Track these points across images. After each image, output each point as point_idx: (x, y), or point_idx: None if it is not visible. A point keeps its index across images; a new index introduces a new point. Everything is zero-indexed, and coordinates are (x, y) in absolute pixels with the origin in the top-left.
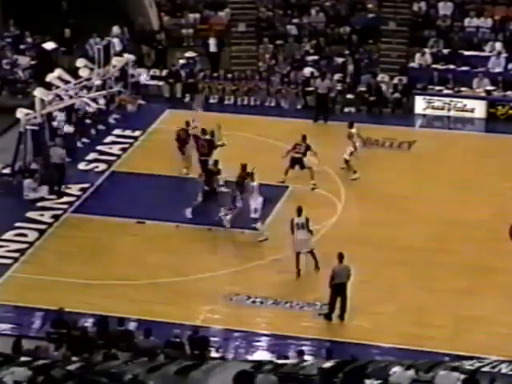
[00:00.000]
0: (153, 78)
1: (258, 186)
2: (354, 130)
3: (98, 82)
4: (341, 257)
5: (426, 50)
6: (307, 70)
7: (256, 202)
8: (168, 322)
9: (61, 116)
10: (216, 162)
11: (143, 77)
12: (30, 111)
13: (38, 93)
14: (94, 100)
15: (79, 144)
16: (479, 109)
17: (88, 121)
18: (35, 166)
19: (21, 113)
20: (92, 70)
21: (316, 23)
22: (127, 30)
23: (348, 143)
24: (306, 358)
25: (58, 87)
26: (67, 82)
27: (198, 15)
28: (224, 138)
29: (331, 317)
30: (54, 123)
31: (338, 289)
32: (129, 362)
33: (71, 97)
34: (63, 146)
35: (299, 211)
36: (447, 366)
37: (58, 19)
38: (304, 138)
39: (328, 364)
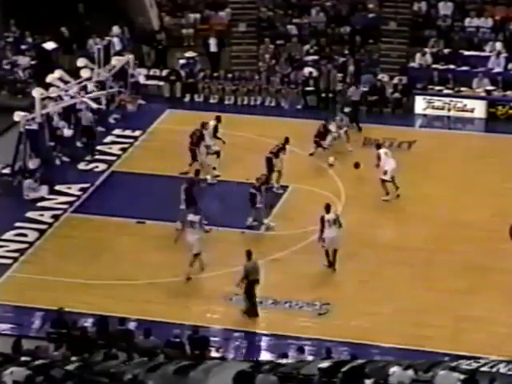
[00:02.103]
0: (153, 77)
1: None
2: (381, 151)
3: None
4: (249, 254)
5: (427, 49)
6: (307, 70)
7: None
8: (168, 322)
9: (62, 122)
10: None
11: (142, 76)
12: (27, 114)
13: (37, 93)
14: (95, 100)
15: (79, 144)
16: (479, 109)
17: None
18: (32, 165)
19: (18, 116)
20: (93, 69)
21: (316, 23)
22: (127, 30)
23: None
24: (306, 357)
25: (58, 87)
26: (67, 83)
27: (198, 15)
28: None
29: (257, 312)
30: (54, 122)
31: (253, 285)
32: (127, 362)
33: (72, 97)
34: (90, 109)
35: (328, 208)
36: (445, 366)
37: (74, 21)
38: (286, 140)
39: (327, 364)
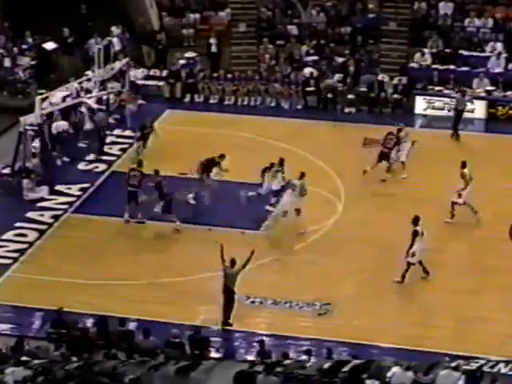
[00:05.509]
0: (153, 77)
1: None
2: (466, 171)
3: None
4: (233, 262)
5: (426, 50)
6: (308, 70)
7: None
8: (168, 322)
9: (62, 122)
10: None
11: (139, 72)
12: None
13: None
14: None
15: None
16: (479, 109)
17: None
18: (33, 166)
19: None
20: (93, 71)
21: (316, 23)
22: (127, 30)
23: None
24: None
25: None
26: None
27: (198, 15)
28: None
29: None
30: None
31: (233, 295)
32: (126, 362)
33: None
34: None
35: (417, 220)
36: (445, 366)
37: (76, 21)
38: (399, 130)
39: (327, 364)
